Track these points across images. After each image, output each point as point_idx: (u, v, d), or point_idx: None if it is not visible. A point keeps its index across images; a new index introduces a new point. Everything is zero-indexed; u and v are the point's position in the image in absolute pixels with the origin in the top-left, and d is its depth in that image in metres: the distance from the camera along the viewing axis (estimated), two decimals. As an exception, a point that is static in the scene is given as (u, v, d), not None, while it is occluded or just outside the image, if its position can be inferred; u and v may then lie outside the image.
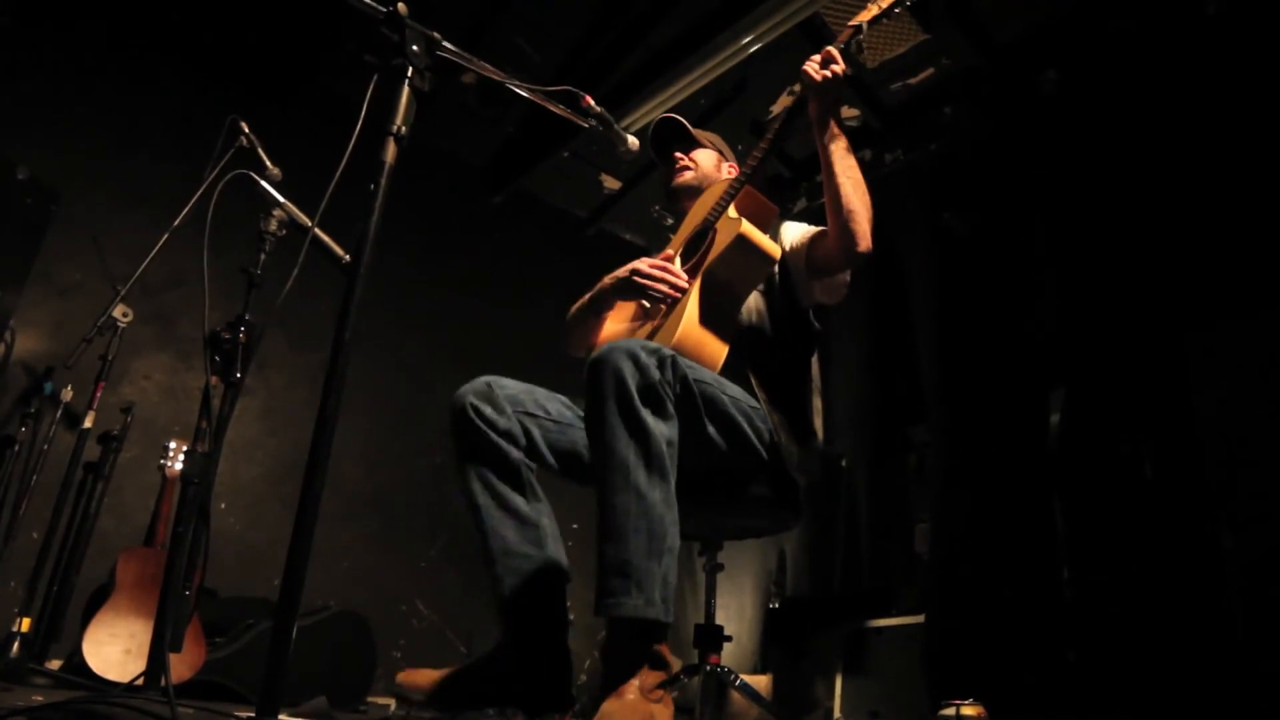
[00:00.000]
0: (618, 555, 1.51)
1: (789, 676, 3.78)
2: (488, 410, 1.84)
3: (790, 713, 3.51)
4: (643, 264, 2.00)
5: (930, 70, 4.13)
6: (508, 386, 1.91)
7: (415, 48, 1.55)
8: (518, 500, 1.81)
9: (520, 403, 1.90)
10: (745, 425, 1.84)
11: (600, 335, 2.18)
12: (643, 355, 1.60)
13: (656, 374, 1.60)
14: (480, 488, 1.81)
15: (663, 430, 1.59)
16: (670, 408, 1.62)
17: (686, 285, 1.95)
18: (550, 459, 1.92)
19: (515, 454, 1.84)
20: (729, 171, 2.29)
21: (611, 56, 4.19)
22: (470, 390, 1.87)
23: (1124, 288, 3.32)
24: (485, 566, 1.78)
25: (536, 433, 1.89)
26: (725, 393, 1.81)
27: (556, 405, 1.96)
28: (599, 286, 2.12)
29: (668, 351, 1.64)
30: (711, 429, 1.77)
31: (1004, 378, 3.62)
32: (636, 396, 1.57)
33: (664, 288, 1.95)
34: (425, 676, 1.75)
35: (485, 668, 1.75)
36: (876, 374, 4.32)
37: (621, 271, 2.04)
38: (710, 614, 2.24)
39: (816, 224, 2.10)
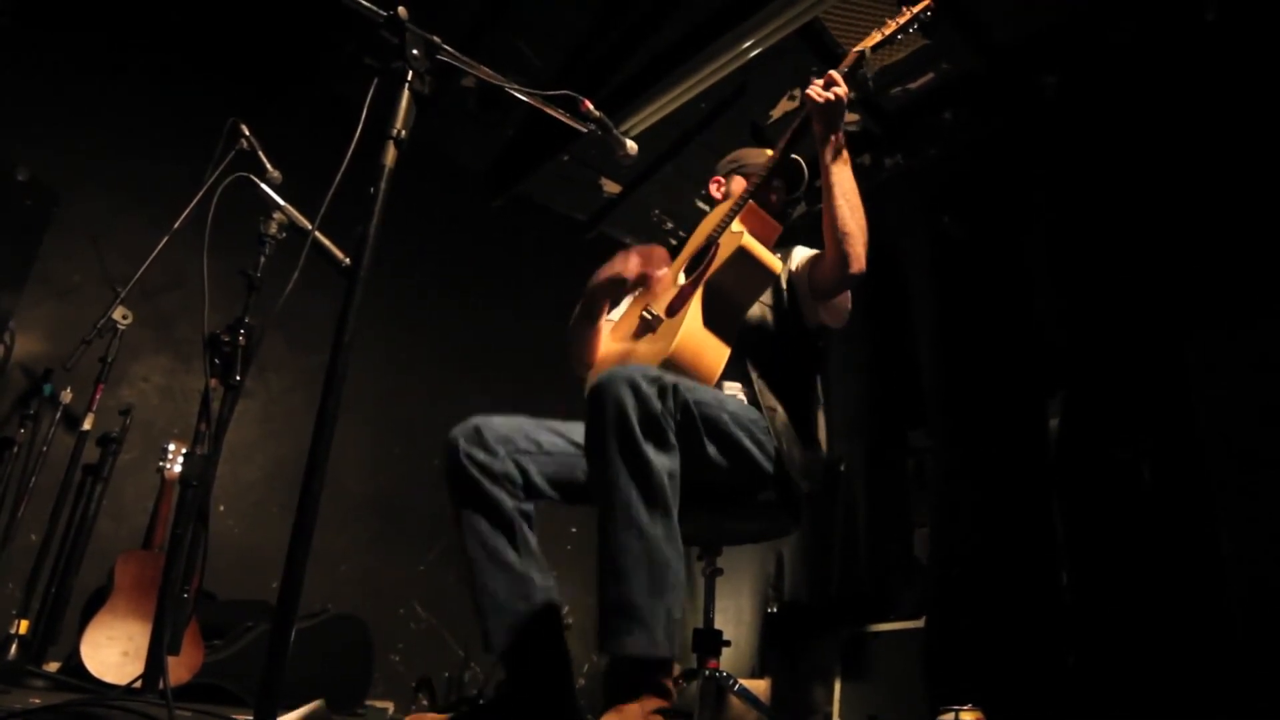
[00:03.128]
0: (620, 595, 1.49)
1: (787, 681, 3.78)
2: (481, 455, 1.81)
3: (789, 717, 3.51)
4: (631, 258, 2.04)
5: (930, 75, 4.14)
6: (497, 425, 1.87)
7: (415, 51, 1.55)
8: (509, 554, 1.78)
9: (511, 440, 1.87)
10: (747, 441, 1.85)
11: (600, 351, 2.19)
12: (644, 385, 1.58)
13: (658, 404, 1.58)
14: (473, 540, 1.79)
15: (664, 463, 1.58)
16: (671, 438, 1.61)
17: (663, 263, 2.01)
18: (549, 491, 1.90)
19: (509, 503, 1.81)
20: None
21: (612, 61, 4.20)
22: (461, 435, 1.84)
23: (1123, 292, 3.33)
24: (476, 618, 1.77)
25: (532, 468, 1.87)
26: (726, 410, 1.81)
27: (548, 435, 1.94)
28: (586, 289, 2.14)
29: (669, 379, 1.64)
30: (713, 450, 1.78)
31: (1003, 382, 3.62)
32: (638, 429, 1.55)
33: (635, 269, 2.00)
34: None
35: (491, 711, 1.74)
36: (875, 378, 4.32)
37: (608, 269, 2.08)
38: (709, 619, 2.24)
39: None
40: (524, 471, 1.86)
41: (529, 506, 1.86)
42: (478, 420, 1.87)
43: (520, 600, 1.75)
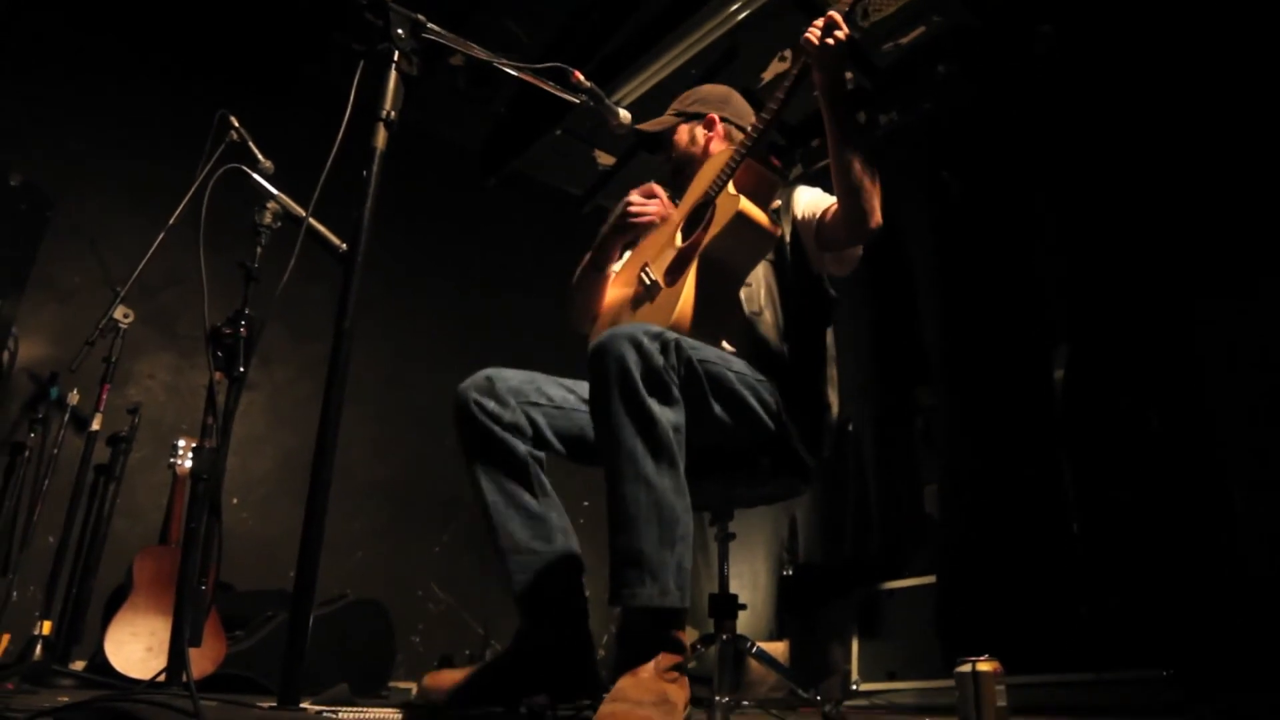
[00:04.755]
0: (630, 546, 1.50)
1: (805, 642, 3.81)
2: (491, 404, 1.83)
3: (808, 678, 3.54)
4: (633, 196, 2.07)
5: (921, 28, 4.09)
6: (509, 377, 1.90)
7: (400, 31, 1.55)
8: (525, 497, 1.81)
9: (523, 392, 1.88)
10: (752, 399, 1.82)
11: (604, 303, 2.17)
12: (645, 341, 1.57)
13: (660, 359, 1.57)
14: (489, 485, 1.81)
15: (669, 417, 1.57)
16: (676, 392, 1.60)
17: (670, 208, 2.06)
18: (558, 445, 1.92)
19: (522, 448, 1.83)
20: (702, 137, 2.26)
21: (601, 32, 4.16)
22: (472, 385, 1.87)
23: (1126, 241, 3.31)
24: (498, 562, 1.79)
25: (542, 421, 1.89)
26: (731, 369, 1.79)
27: (559, 390, 1.95)
28: (599, 236, 2.14)
29: (671, 335, 1.62)
30: (718, 408, 1.76)
31: (1007, 336, 3.61)
32: (641, 384, 1.55)
33: (652, 210, 2.05)
34: (448, 678, 1.76)
35: (507, 662, 1.76)
36: (880, 337, 4.31)
37: (614, 215, 2.09)
38: (724, 583, 2.25)
39: (828, 189, 2.07)
40: (533, 423, 1.87)
41: (541, 453, 1.88)
42: (489, 371, 1.90)
43: (540, 541, 1.79)
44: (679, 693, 1.49)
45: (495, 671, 1.75)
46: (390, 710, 1.78)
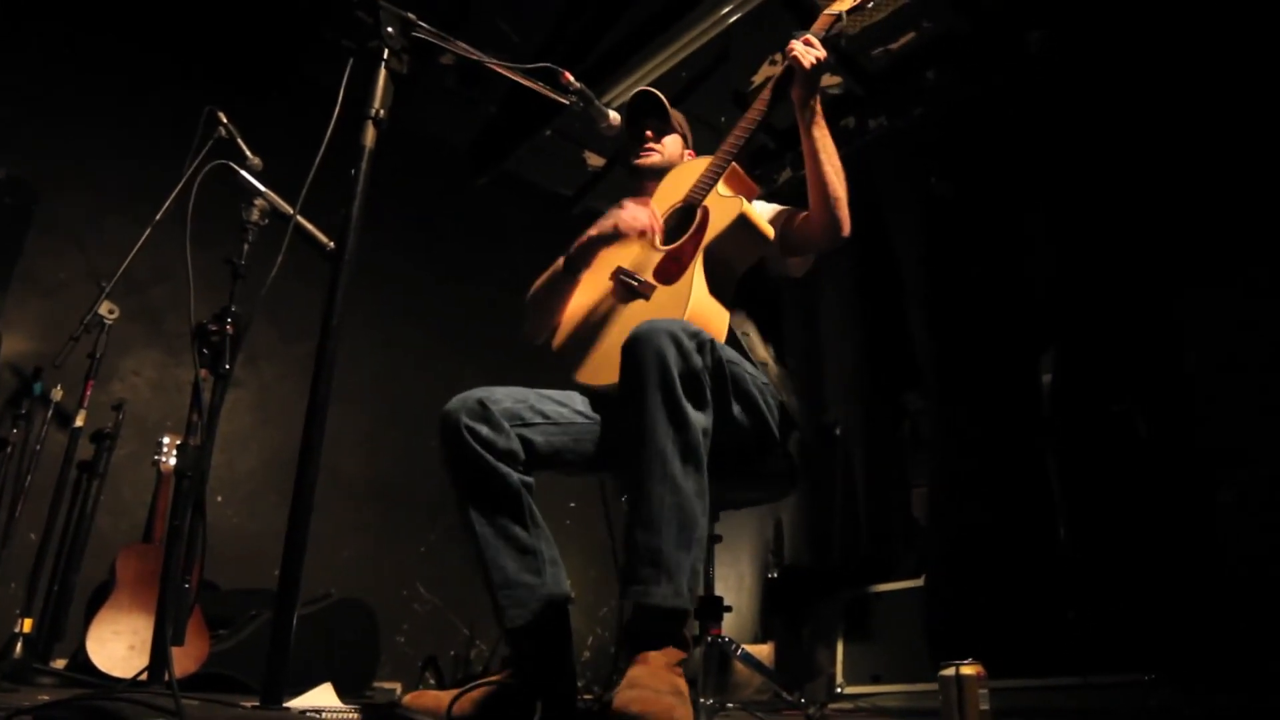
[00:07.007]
0: (650, 544, 1.51)
1: (791, 645, 3.82)
2: (485, 431, 1.78)
3: (793, 680, 3.55)
4: (629, 204, 2.01)
5: (910, 34, 4.11)
6: (501, 399, 1.84)
7: (390, 29, 1.55)
8: (517, 530, 1.78)
9: (516, 414, 1.84)
10: (761, 401, 1.85)
11: (565, 314, 2.15)
12: (684, 339, 1.57)
13: (698, 360, 1.58)
14: (479, 517, 1.77)
15: (701, 421, 1.58)
16: (708, 395, 1.61)
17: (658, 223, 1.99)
18: (551, 463, 1.89)
19: (515, 478, 1.79)
20: (686, 157, 2.28)
21: (592, 33, 4.16)
22: (463, 409, 1.79)
23: (1114, 245, 3.33)
24: (488, 595, 1.77)
25: (538, 439, 1.85)
26: (746, 370, 1.83)
27: (550, 404, 1.92)
28: (582, 241, 2.06)
29: (706, 335, 1.63)
30: (737, 408, 1.78)
31: (995, 340, 3.63)
32: (680, 385, 1.55)
33: (645, 221, 1.97)
34: (432, 698, 1.75)
35: (494, 688, 1.75)
36: (867, 341, 4.33)
37: (606, 222, 2.02)
38: (709, 585, 2.25)
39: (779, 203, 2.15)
40: (527, 446, 1.83)
41: (531, 479, 1.85)
42: (481, 393, 1.83)
43: (529, 574, 1.76)
44: (684, 684, 1.51)
45: (494, 692, 1.74)
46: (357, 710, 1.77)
